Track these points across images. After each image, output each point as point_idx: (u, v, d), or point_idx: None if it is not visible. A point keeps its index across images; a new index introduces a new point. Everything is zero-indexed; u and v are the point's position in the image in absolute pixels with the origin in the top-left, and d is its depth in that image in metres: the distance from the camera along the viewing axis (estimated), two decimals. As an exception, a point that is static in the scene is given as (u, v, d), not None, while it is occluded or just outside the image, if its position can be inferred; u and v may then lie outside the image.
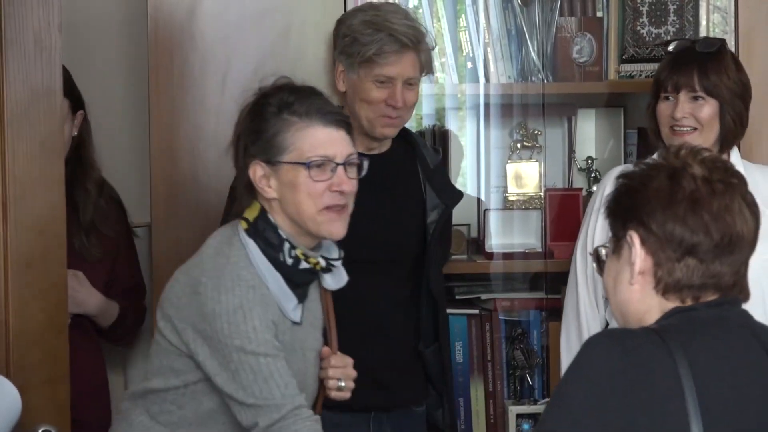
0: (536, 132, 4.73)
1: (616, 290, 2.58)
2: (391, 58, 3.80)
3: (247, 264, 3.09)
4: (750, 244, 2.51)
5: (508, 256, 4.58)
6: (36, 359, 3.17)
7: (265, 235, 3.12)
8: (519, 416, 4.50)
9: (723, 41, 3.88)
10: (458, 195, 4.10)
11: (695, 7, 4.52)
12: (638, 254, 2.50)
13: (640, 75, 4.59)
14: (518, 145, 4.69)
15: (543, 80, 4.61)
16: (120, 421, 3.30)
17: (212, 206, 4.22)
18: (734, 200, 2.51)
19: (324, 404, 3.57)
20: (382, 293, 3.84)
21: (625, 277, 2.54)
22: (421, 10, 4.59)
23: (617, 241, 2.56)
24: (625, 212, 2.55)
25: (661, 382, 2.40)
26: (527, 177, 4.68)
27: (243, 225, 3.16)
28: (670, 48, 3.89)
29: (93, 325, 4.33)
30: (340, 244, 3.38)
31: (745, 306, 3.61)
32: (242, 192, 3.25)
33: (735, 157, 3.85)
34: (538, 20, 4.58)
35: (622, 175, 2.65)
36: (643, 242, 2.50)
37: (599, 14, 4.64)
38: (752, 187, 3.73)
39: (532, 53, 4.58)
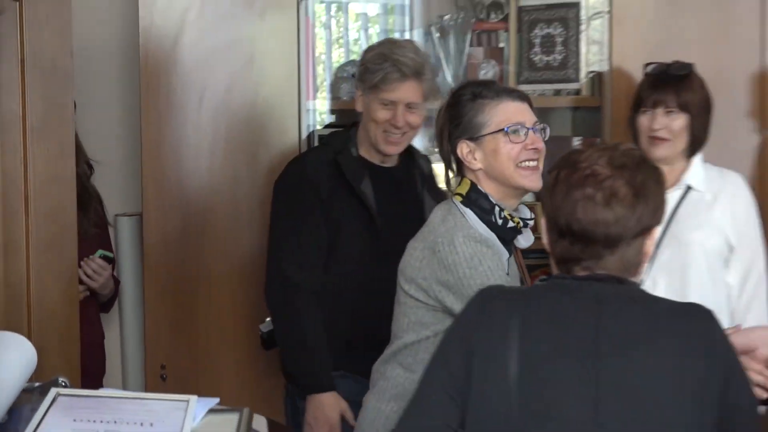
0: (451, 139, 4.65)
1: None
2: (393, 84, 3.68)
3: (468, 226, 3.04)
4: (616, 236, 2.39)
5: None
6: (52, 325, 3.12)
7: (478, 203, 3.08)
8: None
9: (692, 65, 3.77)
10: (446, 196, 4.02)
11: (576, 40, 4.49)
12: (543, 230, 2.51)
13: (533, 93, 4.50)
14: (437, 150, 4.62)
15: (456, 98, 4.53)
16: (377, 380, 3.21)
17: (192, 199, 4.21)
18: (599, 191, 2.38)
19: (353, 370, 3.69)
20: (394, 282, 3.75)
21: None
22: (359, 41, 4.56)
23: None
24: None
25: (495, 331, 2.39)
26: (443, 176, 4.60)
27: (458, 199, 3.11)
28: (649, 70, 3.82)
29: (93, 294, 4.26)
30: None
31: (689, 288, 3.63)
32: (453, 176, 3.23)
33: (698, 160, 3.78)
34: (452, 50, 4.53)
35: None
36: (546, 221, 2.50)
37: (501, 45, 4.58)
38: (707, 186, 3.76)
39: (448, 76, 4.53)
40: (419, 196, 3.88)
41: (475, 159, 3.10)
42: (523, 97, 3.17)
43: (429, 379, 2.53)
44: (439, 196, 3.91)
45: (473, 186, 3.11)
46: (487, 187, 3.10)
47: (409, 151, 3.90)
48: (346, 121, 4.19)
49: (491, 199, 3.08)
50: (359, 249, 3.72)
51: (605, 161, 2.41)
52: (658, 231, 2.46)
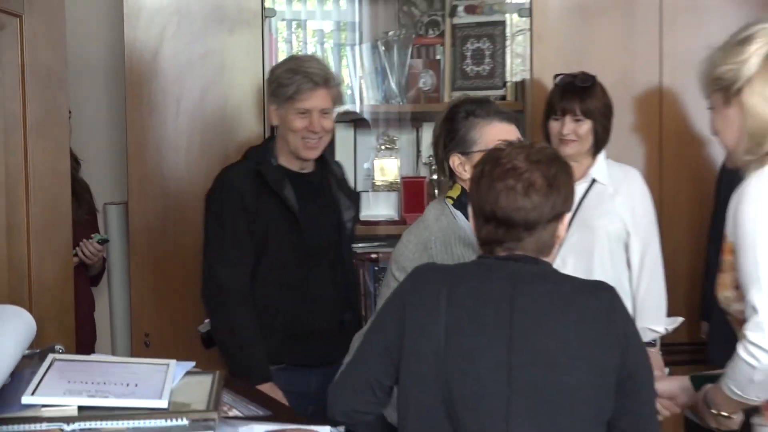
0: (394, 138, 4.65)
1: None
2: (306, 94, 3.56)
3: (459, 227, 3.02)
4: (534, 221, 2.41)
5: (376, 223, 4.50)
6: (49, 299, 3.08)
7: (468, 206, 3.02)
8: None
9: (594, 77, 3.79)
10: (357, 195, 3.95)
11: (502, 53, 4.51)
12: (470, 218, 2.52)
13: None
14: (382, 147, 4.63)
15: (399, 102, 4.54)
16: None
17: (171, 189, 4.21)
18: (519, 182, 2.41)
19: (292, 362, 3.58)
20: (318, 273, 3.67)
21: None
22: (316, 54, 4.56)
23: None
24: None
25: (426, 302, 2.42)
26: (388, 169, 4.62)
27: (450, 201, 3.09)
28: (558, 81, 3.83)
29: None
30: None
31: (593, 267, 3.69)
32: (444, 179, 3.20)
33: (601, 158, 3.82)
34: (396, 61, 4.51)
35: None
36: (472, 210, 2.51)
37: (438, 57, 4.58)
38: (609, 179, 3.80)
39: (392, 84, 4.52)
40: (335, 197, 3.78)
41: (465, 171, 3.06)
42: (512, 119, 3.13)
43: (367, 341, 2.57)
44: (352, 196, 3.87)
45: (464, 191, 3.07)
46: None
47: (323, 158, 3.79)
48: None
49: None
50: (287, 249, 3.62)
51: (523, 157, 2.43)
52: (568, 217, 2.49)
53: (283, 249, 3.61)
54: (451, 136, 3.09)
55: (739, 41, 2.26)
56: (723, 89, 2.26)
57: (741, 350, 2.25)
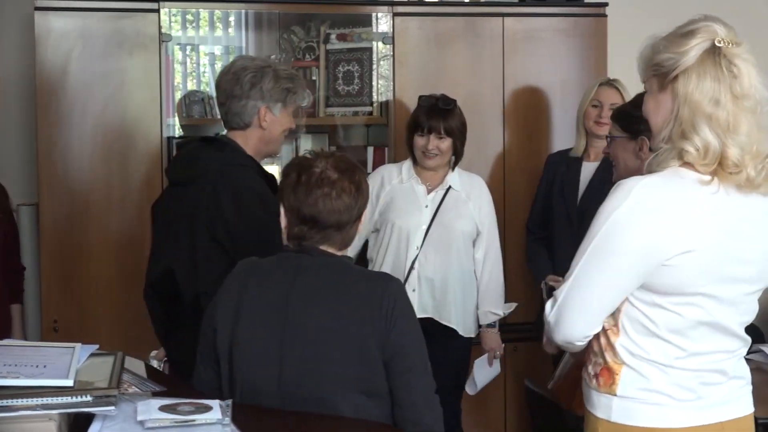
0: (276, 147, 4.61)
1: None
2: (306, 91, 3.15)
3: None
4: (337, 221, 2.42)
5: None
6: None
7: None
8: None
9: (455, 100, 3.82)
10: None
11: (369, 75, 4.52)
12: (282, 217, 2.46)
13: (338, 114, 4.55)
14: (268, 155, 4.60)
15: (280, 116, 4.50)
16: None
17: (76, 190, 4.12)
18: (333, 189, 2.40)
19: None
20: None
21: None
22: (206, 74, 4.50)
23: None
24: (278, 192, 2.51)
25: (231, 290, 2.46)
26: (272, 172, 4.57)
27: None
28: (422, 102, 3.83)
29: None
30: None
31: (451, 259, 3.77)
32: None
33: (457, 168, 3.87)
34: (278, 81, 4.48)
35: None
36: (285, 211, 2.46)
37: (314, 78, 4.57)
38: (461, 186, 3.83)
39: (274, 100, 4.48)
40: None
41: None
42: None
43: (200, 342, 2.56)
44: None
45: None
46: None
47: None
48: (192, 133, 4.23)
49: None
50: None
51: (332, 166, 2.43)
52: (366, 215, 2.51)
53: None
54: None
55: (682, 34, 2.18)
56: (660, 75, 2.18)
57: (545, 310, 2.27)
